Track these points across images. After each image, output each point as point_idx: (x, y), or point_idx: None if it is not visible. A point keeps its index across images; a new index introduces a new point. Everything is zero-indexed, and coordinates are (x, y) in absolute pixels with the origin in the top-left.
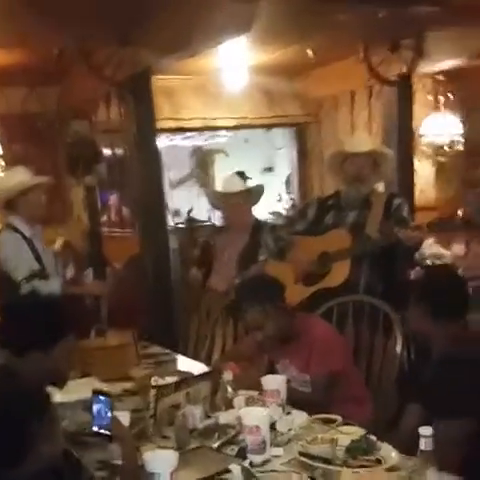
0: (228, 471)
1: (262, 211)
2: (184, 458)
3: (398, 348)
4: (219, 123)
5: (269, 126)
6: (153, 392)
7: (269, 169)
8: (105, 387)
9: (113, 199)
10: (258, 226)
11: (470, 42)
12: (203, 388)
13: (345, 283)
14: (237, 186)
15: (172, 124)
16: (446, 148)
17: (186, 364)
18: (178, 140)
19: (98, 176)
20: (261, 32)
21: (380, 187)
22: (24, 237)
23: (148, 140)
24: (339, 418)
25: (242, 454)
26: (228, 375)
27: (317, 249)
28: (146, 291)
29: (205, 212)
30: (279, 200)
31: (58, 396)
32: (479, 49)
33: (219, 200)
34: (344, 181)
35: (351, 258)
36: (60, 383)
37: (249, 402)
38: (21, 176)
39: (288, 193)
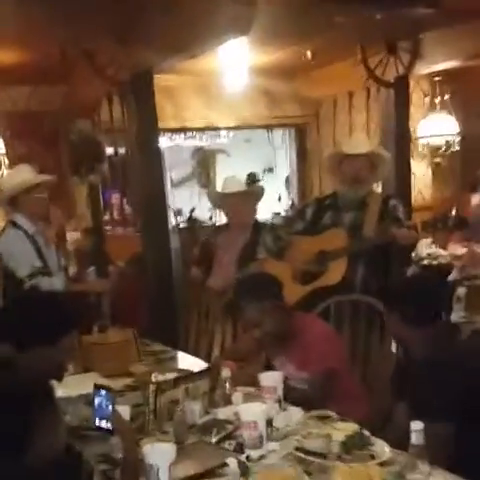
0: (225, 465)
1: (262, 211)
2: (182, 452)
3: (393, 347)
4: (220, 123)
5: (269, 126)
6: (153, 388)
7: (269, 169)
8: (106, 382)
9: (115, 198)
10: (258, 226)
11: (466, 43)
12: (202, 384)
13: (342, 281)
14: (237, 186)
15: (174, 124)
16: (443, 149)
17: (186, 361)
18: (180, 140)
19: (101, 175)
20: (261, 34)
21: (377, 188)
22: (27, 234)
23: (150, 140)
24: (334, 415)
25: (239, 449)
26: (226, 372)
27: (315, 248)
28: (148, 289)
29: (207, 212)
30: (279, 200)
31: (60, 391)
32: (475, 50)
33: (220, 200)
34: (342, 182)
35: (348, 257)
36: (60, 377)
37: (247, 398)
38: (25, 174)
39: (288, 193)
